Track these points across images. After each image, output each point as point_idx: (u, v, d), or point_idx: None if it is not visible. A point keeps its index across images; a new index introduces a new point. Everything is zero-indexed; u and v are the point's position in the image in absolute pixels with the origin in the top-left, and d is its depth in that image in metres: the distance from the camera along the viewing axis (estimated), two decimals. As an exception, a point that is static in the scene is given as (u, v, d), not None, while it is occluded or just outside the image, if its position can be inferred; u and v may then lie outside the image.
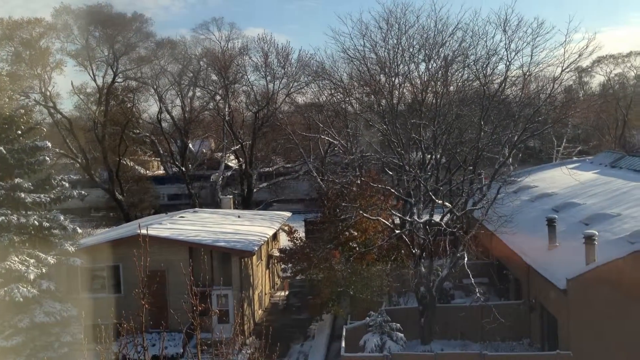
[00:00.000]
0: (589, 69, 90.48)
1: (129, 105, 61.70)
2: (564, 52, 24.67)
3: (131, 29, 58.24)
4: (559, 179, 36.07)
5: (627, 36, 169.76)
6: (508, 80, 27.01)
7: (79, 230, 26.00)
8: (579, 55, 24.81)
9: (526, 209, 31.33)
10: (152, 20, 62.61)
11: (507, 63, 25.74)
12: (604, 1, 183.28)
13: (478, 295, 23.51)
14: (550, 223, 24.46)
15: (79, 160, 55.99)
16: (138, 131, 65.78)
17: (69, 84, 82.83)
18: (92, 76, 57.23)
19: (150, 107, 69.42)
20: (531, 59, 25.62)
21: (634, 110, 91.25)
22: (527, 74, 26.34)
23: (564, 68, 25.03)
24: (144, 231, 10.55)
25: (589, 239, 20.27)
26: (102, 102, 57.51)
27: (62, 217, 23.53)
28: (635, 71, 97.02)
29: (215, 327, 8.64)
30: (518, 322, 24.79)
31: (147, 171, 77.47)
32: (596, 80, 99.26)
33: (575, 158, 52.41)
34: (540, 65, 26.54)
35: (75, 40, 56.25)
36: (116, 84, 59.29)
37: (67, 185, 24.69)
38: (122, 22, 57.44)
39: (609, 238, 21.88)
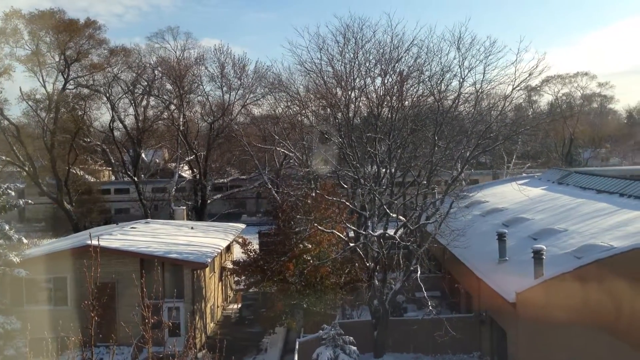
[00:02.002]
0: (538, 88, 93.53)
1: (80, 112, 60.33)
2: (515, 71, 25.39)
3: (84, 35, 57.06)
4: (509, 194, 36.92)
5: (574, 57, 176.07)
6: (461, 96, 27.62)
7: (25, 241, 25.24)
8: (529, 74, 25.56)
9: (478, 224, 31.93)
10: (105, 27, 61.60)
11: (461, 80, 26.32)
12: (551, 23, 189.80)
13: (430, 308, 23.74)
14: (501, 238, 24.97)
15: (26, 169, 54.33)
16: (89, 139, 64.40)
17: (18, 90, 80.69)
18: (42, 82, 55.77)
19: (102, 115, 68.51)
20: (483, 76, 26.32)
21: (580, 129, 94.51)
22: (480, 91, 26.97)
23: (514, 86, 25.73)
24: (94, 242, 10.29)
25: (538, 254, 20.78)
26: (51, 109, 56.04)
27: (6, 227, 22.78)
28: (581, 91, 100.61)
29: (166, 340, 8.46)
30: (469, 335, 25.13)
31: (98, 180, 75.79)
32: (544, 99, 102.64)
33: (524, 174, 53.75)
34: (492, 83, 27.23)
35: (25, 46, 54.77)
36: (67, 90, 57.93)
37: (12, 193, 23.95)
38: (75, 28, 56.18)
39: (556, 253, 22.46)
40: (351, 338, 22.58)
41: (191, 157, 59.98)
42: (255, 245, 32.04)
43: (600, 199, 29.65)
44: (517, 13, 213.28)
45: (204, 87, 61.54)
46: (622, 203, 27.58)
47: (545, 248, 21.15)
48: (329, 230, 26.22)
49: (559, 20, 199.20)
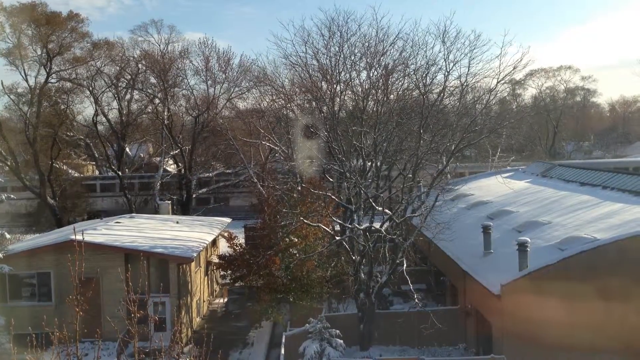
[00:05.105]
0: (522, 82, 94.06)
1: (62, 106, 59.75)
2: (500, 65, 25.49)
3: (66, 28, 56.48)
4: (494, 187, 37.13)
5: (557, 51, 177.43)
6: (446, 90, 27.62)
7: (7, 236, 25.01)
8: (514, 68, 25.64)
9: (463, 217, 32.07)
10: (88, 21, 60.93)
11: (446, 73, 26.31)
12: (535, 17, 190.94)
13: (416, 301, 23.85)
14: (486, 230, 25.12)
15: (9, 163, 53.73)
16: (72, 134, 63.83)
17: (-1, 84, 79.64)
18: (23, 76, 55.15)
19: (85, 109, 68.21)
20: (468, 70, 26.29)
21: (563, 122, 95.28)
22: (465, 84, 26.99)
23: (499, 80, 25.81)
24: (78, 236, 10.20)
25: (522, 246, 20.92)
26: (34, 103, 55.43)
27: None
28: (565, 85, 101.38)
29: (152, 335, 8.41)
30: (455, 327, 25.29)
31: (82, 175, 75.17)
32: (528, 93, 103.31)
33: (509, 167, 54.08)
34: (477, 77, 27.25)
35: (7, 39, 54.14)
36: (49, 84, 57.33)
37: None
38: (57, 21, 55.59)
39: (540, 245, 22.64)
40: (337, 331, 22.62)
41: (176, 151, 59.66)
42: (241, 239, 31.98)
43: (584, 192, 29.92)
44: (499, 7, 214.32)
45: (189, 80, 61.29)
46: (605, 195, 27.85)
47: (529, 240, 21.31)
48: (315, 224, 26.21)
49: (541, 15, 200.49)
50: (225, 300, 34.72)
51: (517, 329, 20.29)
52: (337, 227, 30.65)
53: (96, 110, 60.64)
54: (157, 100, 60.80)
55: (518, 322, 20.23)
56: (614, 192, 28.04)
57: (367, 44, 28.57)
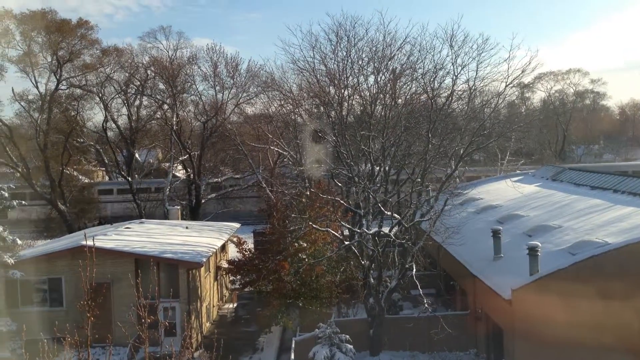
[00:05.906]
0: (531, 85, 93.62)
1: (72, 113, 60.07)
2: (508, 68, 25.40)
3: (76, 35, 56.81)
4: (503, 191, 36.99)
5: (566, 54, 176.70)
6: (454, 94, 27.61)
7: (19, 242, 25.17)
8: (522, 71, 25.58)
9: (472, 221, 31.96)
10: (97, 28, 61.21)
11: (454, 77, 26.31)
12: (542, 20, 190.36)
13: (426, 306, 23.76)
14: (496, 234, 25.01)
15: (20, 170, 54.04)
16: (82, 140, 64.14)
17: (10, 91, 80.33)
18: (34, 83, 55.48)
19: (95, 116, 68.47)
20: (476, 73, 26.29)
21: (573, 125, 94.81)
22: (473, 88, 26.97)
23: (507, 83, 25.76)
24: (89, 242, 10.24)
25: (533, 250, 20.82)
26: (44, 109, 55.77)
27: (1, 228, 22.69)
28: (574, 88, 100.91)
29: (163, 340, 8.44)
30: (465, 332, 25.17)
31: (90, 180, 75.51)
32: (537, 96, 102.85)
33: (518, 171, 53.82)
34: (485, 80, 27.23)
35: (17, 46, 54.47)
36: (60, 91, 57.66)
37: (6, 195, 23.87)
38: (67, 29, 55.92)
39: (551, 249, 22.51)
40: (347, 336, 22.60)
41: (185, 157, 59.82)
42: (250, 244, 32.02)
43: (594, 195, 29.73)
44: (505, 10, 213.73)
45: (197, 86, 61.28)
46: (616, 199, 27.67)
47: (540, 245, 21.19)
48: (324, 229, 26.20)
49: (547, 18, 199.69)
50: (235, 305, 34.73)
51: (529, 334, 20.17)
52: (346, 232, 30.60)
53: (106, 117, 60.97)
54: (165, 106, 60.99)
55: (529, 327, 20.11)
56: (625, 196, 27.85)
57: (374, 48, 28.64)
